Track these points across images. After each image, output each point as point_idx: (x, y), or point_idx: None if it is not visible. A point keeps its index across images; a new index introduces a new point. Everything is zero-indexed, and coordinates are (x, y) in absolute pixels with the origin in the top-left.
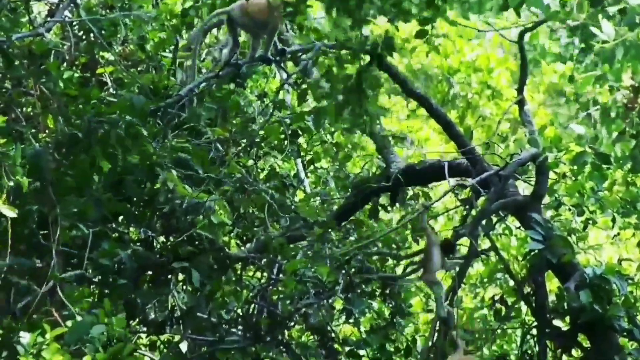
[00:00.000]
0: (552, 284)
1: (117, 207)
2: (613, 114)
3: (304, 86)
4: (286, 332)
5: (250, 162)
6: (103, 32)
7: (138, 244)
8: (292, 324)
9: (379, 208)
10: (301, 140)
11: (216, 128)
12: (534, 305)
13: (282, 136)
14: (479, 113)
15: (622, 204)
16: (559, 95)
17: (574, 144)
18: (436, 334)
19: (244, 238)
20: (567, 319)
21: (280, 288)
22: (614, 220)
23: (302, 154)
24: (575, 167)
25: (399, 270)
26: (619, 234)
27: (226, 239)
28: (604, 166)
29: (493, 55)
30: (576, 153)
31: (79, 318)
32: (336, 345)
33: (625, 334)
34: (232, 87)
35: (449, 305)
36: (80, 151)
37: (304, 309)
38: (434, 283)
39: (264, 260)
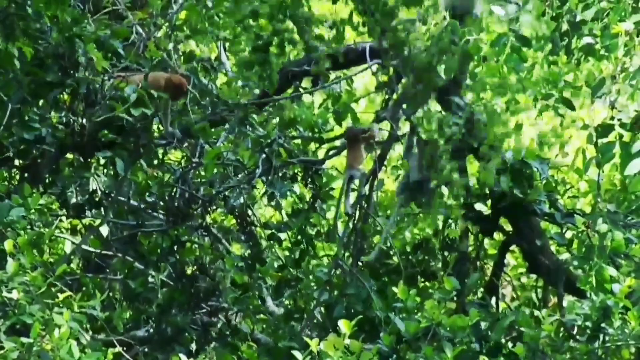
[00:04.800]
0: (473, 167)
1: (38, 89)
2: None
3: None
4: (207, 215)
5: (171, 45)
6: None
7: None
8: (213, 207)
9: (301, 91)
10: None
11: (137, 11)
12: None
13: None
14: None
15: (543, 84)
16: None
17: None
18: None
19: None
20: (489, 203)
21: (201, 172)
22: (536, 99)
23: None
24: (496, 49)
25: (320, 154)
26: (541, 113)
27: None
28: (524, 48)
29: None
30: (497, 34)
31: None
32: (257, 229)
33: (546, 217)
34: None
35: (369, 188)
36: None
37: (225, 192)
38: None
39: (186, 144)
